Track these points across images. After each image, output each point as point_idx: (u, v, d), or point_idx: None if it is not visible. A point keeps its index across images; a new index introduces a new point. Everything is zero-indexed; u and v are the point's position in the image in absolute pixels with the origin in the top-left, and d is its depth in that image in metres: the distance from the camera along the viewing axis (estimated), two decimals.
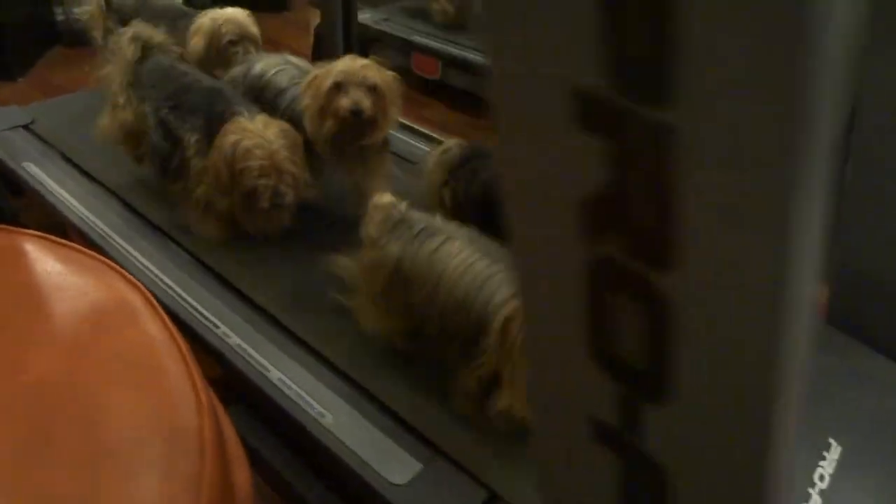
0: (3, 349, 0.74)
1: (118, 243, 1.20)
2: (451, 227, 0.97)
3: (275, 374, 0.97)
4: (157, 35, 1.36)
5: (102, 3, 1.63)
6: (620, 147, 0.27)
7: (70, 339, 0.77)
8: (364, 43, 2.14)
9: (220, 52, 1.49)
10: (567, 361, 0.35)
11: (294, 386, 0.95)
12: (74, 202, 1.30)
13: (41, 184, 1.36)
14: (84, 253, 0.90)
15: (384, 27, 2.31)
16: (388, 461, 0.86)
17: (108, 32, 1.65)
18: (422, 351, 1.02)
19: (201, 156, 1.19)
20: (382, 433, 0.89)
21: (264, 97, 1.34)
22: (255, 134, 1.12)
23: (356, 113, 1.16)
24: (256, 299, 1.10)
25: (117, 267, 0.87)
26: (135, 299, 0.83)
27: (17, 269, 0.86)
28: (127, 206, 1.31)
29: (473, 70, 2.15)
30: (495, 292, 0.87)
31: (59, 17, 2.52)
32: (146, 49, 1.33)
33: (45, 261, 0.88)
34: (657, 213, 0.27)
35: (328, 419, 0.90)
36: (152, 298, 0.83)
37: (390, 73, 1.23)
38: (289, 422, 0.92)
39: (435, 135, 1.73)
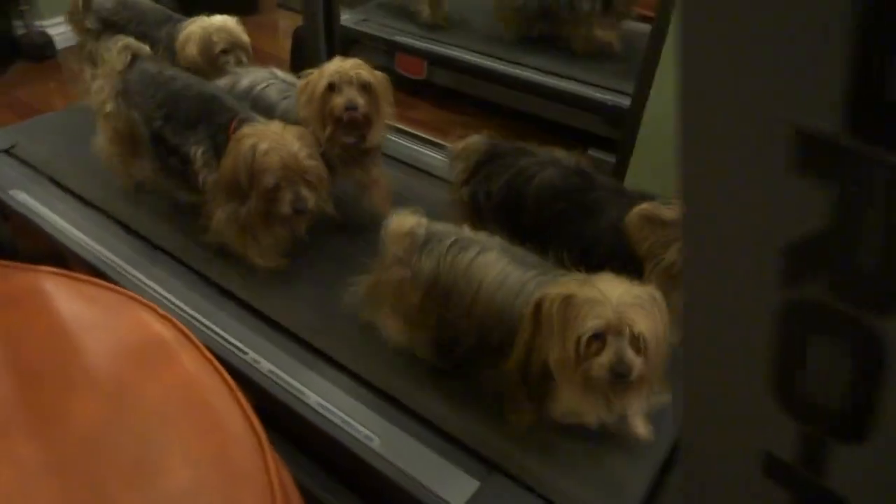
0: (44, 398, 0.70)
1: (129, 272, 1.15)
2: (481, 237, 0.96)
3: (313, 399, 0.94)
4: (144, 47, 1.31)
5: (80, 3, 1.56)
6: (845, 190, 0.26)
7: (112, 383, 0.73)
8: (345, 45, 2.10)
9: (212, 60, 1.46)
10: (745, 398, 0.34)
11: (336, 410, 0.92)
12: (74, 230, 1.24)
13: (33, 212, 1.29)
14: (108, 288, 0.85)
15: (364, 28, 2.27)
16: (444, 481, 0.84)
17: (87, 35, 1.59)
18: (456, 364, 1.00)
19: (209, 168, 1.15)
20: (434, 453, 0.88)
21: (255, 111, 1.30)
22: (274, 137, 1.07)
23: (351, 108, 1.14)
24: (283, 322, 1.07)
25: (145, 301, 0.84)
26: (170, 334, 0.80)
27: (43, 310, 0.81)
28: (131, 231, 1.26)
29: (460, 68, 2.13)
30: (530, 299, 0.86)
31: (20, 31, 2.40)
32: (135, 58, 1.29)
33: (71, 300, 0.83)
34: (882, 257, 0.26)
35: (376, 442, 0.88)
36: (188, 331, 0.80)
37: (381, 73, 1.22)
38: (333, 447, 0.90)
39: (428, 136, 1.71)
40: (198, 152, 1.15)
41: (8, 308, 0.80)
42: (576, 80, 2.00)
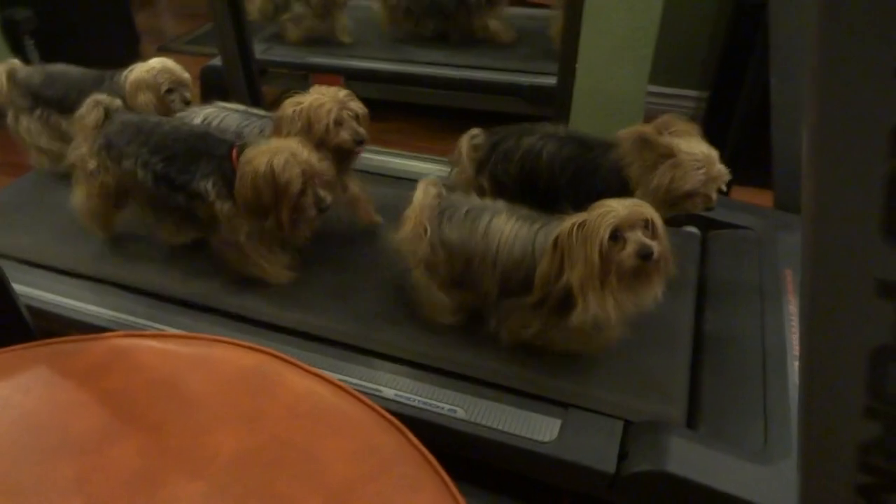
0: (183, 443, 0.74)
1: (152, 326, 1.17)
2: (489, 203, 1.10)
3: (388, 392, 1.02)
4: (115, 101, 1.32)
5: (4, 80, 1.51)
6: None
7: (233, 413, 0.77)
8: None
9: (161, 101, 1.48)
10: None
11: (413, 395, 1.01)
12: (81, 304, 1.22)
13: (29, 297, 1.25)
14: (181, 336, 0.89)
15: (271, 56, 2.31)
16: (532, 427, 0.96)
17: (18, 111, 1.54)
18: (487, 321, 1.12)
19: (225, 199, 1.19)
20: (514, 407, 0.99)
21: None
22: (284, 149, 1.13)
23: (360, 142, 1.24)
24: (332, 330, 1.14)
25: (219, 338, 0.88)
26: (262, 361, 0.85)
27: (135, 369, 0.83)
28: (141, 291, 1.26)
29: (375, 77, 2.23)
30: (545, 243, 1.00)
31: None
32: (108, 112, 1.29)
33: (154, 353, 0.86)
34: None
35: (461, 413, 0.98)
36: (277, 353, 0.85)
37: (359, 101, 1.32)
38: (423, 428, 0.98)
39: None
40: (208, 185, 1.19)
41: (104, 374, 0.82)
42: (486, 68, 2.16)
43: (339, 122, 1.23)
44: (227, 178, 1.17)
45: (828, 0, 0.36)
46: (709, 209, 1.12)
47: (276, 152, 1.12)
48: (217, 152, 1.19)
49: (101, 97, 1.29)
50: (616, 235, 0.92)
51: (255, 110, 1.45)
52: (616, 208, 0.92)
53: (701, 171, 1.06)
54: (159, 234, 1.37)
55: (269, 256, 1.25)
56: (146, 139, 1.24)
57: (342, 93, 1.27)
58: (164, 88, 1.48)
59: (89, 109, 1.27)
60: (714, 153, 1.09)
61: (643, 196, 1.07)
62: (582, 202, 1.00)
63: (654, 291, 0.97)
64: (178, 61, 1.56)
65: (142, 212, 1.34)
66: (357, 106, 1.27)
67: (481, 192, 1.23)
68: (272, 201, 1.12)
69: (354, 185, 1.43)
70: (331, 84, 2.25)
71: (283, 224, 1.15)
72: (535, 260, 1.00)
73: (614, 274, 0.92)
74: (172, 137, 1.24)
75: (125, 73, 1.51)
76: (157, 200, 1.27)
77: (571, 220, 0.95)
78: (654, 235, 0.93)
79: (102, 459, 0.72)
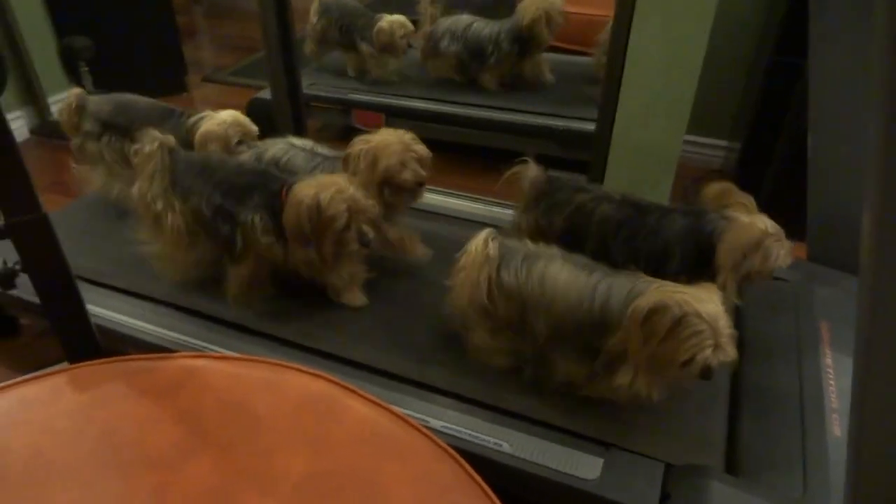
0: (251, 463, 0.77)
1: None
2: (543, 249, 1.13)
3: (436, 424, 1.06)
4: (170, 138, 1.38)
5: (73, 107, 1.59)
6: None
7: (301, 436, 0.81)
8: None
9: (229, 152, 1.54)
10: None
11: (461, 428, 1.05)
12: (142, 324, 1.28)
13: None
14: (249, 359, 0.93)
15: (316, 91, 2.40)
16: (575, 464, 0.99)
17: (87, 136, 1.62)
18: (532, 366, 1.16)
19: (267, 233, 1.25)
20: (557, 444, 1.02)
21: None
22: (331, 184, 1.19)
23: (421, 184, 1.30)
24: (380, 360, 1.18)
25: (285, 363, 0.93)
26: (326, 387, 0.89)
27: (206, 388, 0.87)
28: (199, 314, 1.32)
29: (416, 116, 2.31)
30: (608, 299, 1.04)
31: None
32: (171, 152, 1.35)
33: (223, 375, 0.90)
34: None
35: (507, 447, 1.02)
36: (340, 381, 0.89)
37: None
38: (471, 459, 1.02)
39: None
40: (255, 218, 1.25)
41: (177, 393, 0.86)
42: (521, 111, 2.24)
43: (403, 163, 1.29)
44: (275, 213, 1.23)
45: None
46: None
47: (324, 187, 1.18)
48: (270, 188, 1.26)
49: (161, 136, 1.33)
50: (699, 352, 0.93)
51: (322, 149, 1.50)
52: (712, 325, 0.92)
53: (783, 251, 1.09)
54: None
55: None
56: (211, 175, 1.30)
57: (408, 136, 1.33)
58: (234, 140, 1.54)
59: (153, 151, 1.31)
60: (780, 228, 1.11)
61: (727, 273, 1.10)
62: (635, 266, 1.04)
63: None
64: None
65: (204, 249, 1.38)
66: (421, 149, 1.33)
67: (520, 231, 1.27)
68: (315, 234, 1.18)
69: (404, 222, 1.48)
70: (372, 120, 2.37)
71: (325, 256, 1.21)
72: (592, 311, 1.03)
73: (672, 375, 0.96)
74: (236, 173, 1.30)
75: (195, 118, 1.56)
76: (215, 236, 1.32)
77: (671, 303, 0.93)
78: (726, 351, 0.94)
79: (179, 475, 0.76)
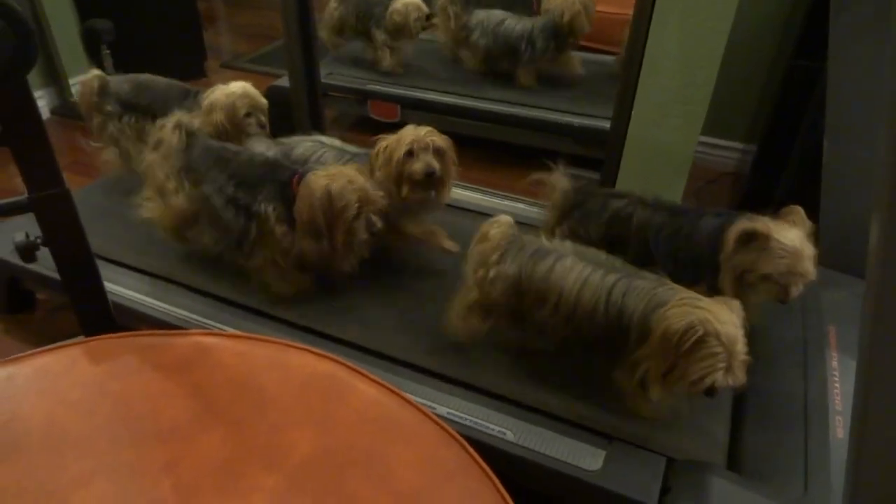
0: (258, 440, 0.79)
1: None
2: (556, 245, 1.13)
3: (442, 410, 1.07)
4: (194, 121, 1.40)
5: (94, 88, 1.61)
6: None
7: (307, 414, 0.83)
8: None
9: (237, 123, 1.56)
10: None
11: (466, 415, 1.06)
12: (155, 302, 1.30)
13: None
14: (258, 339, 0.95)
15: (333, 81, 2.42)
16: (578, 455, 1.00)
17: (106, 117, 1.64)
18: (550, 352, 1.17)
19: (281, 222, 1.27)
20: (560, 434, 1.04)
21: None
22: (342, 175, 1.21)
23: (430, 174, 1.31)
24: (388, 344, 1.20)
25: (295, 344, 0.94)
26: (334, 368, 0.90)
27: (217, 365, 0.89)
28: (210, 295, 1.34)
29: (431, 108, 2.32)
30: (623, 300, 1.04)
31: None
32: (190, 135, 1.37)
33: (235, 353, 0.92)
34: None
35: (510, 435, 1.03)
36: (347, 363, 0.91)
37: (446, 137, 1.38)
38: (475, 446, 1.03)
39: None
40: (269, 208, 1.27)
41: (189, 369, 0.88)
42: (538, 107, 2.24)
43: (411, 153, 1.30)
44: (287, 202, 1.25)
45: None
46: (782, 302, 1.10)
47: (335, 178, 1.21)
48: (280, 178, 1.28)
49: (183, 118, 1.37)
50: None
51: (350, 147, 1.51)
52: (728, 347, 0.92)
53: (783, 261, 1.06)
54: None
55: (296, 275, 1.33)
56: (225, 166, 1.32)
57: (424, 129, 1.34)
58: (242, 112, 1.56)
59: (172, 131, 1.34)
60: (808, 250, 1.08)
61: (726, 277, 1.10)
62: (679, 270, 1.05)
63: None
64: (239, 79, 1.66)
65: (202, 231, 1.40)
66: (435, 139, 1.33)
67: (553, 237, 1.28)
68: (327, 223, 1.20)
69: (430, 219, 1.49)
70: (386, 111, 2.38)
71: (336, 245, 1.23)
72: (608, 312, 1.03)
73: (679, 388, 0.96)
74: (248, 165, 1.32)
75: (207, 91, 1.60)
76: (221, 222, 1.34)
77: (696, 319, 0.93)
78: (729, 368, 0.93)
79: (190, 447, 0.77)
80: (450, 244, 1.46)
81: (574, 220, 1.29)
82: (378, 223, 1.24)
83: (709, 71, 1.52)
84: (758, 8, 2.09)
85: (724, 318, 0.93)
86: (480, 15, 2.43)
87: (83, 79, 1.65)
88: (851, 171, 1.36)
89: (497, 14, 2.41)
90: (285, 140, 1.53)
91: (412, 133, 1.32)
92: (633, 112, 1.63)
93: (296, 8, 1.90)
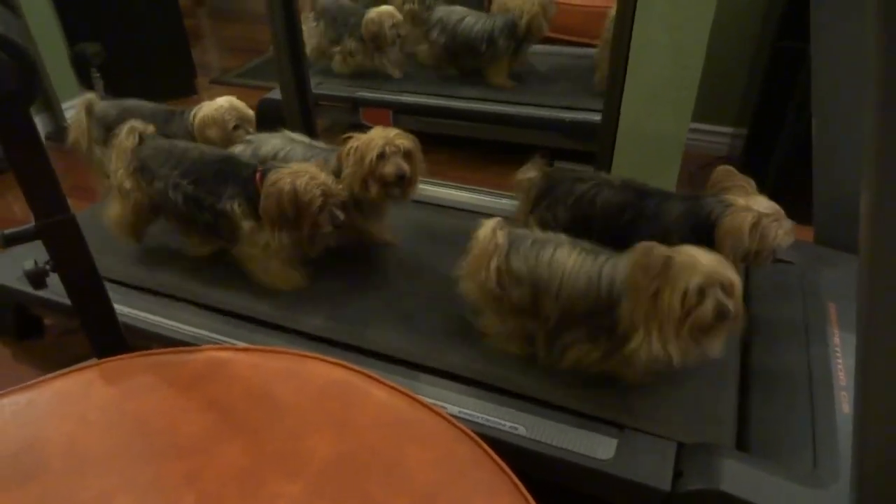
0: (276, 447, 0.80)
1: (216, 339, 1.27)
2: (551, 236, 1.17)
3: (454, 409, 1.09)
4: (149, 127, 1.48)
5: (84, 114, 1.64)
6: None
7: (325, 422, 0.85)
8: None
9: (227, 136, 1.59)
10: None
11: (478, 413, 1.08)
12: (164, 321, 1.32)
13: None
14: (271, 351, 0.97)
15: (324, 90, 2.43)
16: (590, 445, 1.02)
17: (91, 142, 1.67)
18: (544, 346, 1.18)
19: (249, 218, 1.33)
20: (572, 426, 1.05)
21: None
22: (304, 171, 1.28)
23: (401, 177, 1.34)
24: (398, 348, 1.22)
25: (308, 353, 0.96)
26: (347, 375, 0.92)
27: (234, 379, 0.91)
28: (215, 309, 1.35)
29: (422, 112, 2.34)
30: (613, 277, 1.07)
31: None
32: (142, 137, 1.45)
33: (249, 366, 0.93)
34: None
35: (522, 430, 1.05)
36: (359, 369, 0.93)
37: (413, 137, 1.42)
38: (488, 443, 1.05)
39: None
40: (234, 206, 1.33)
41: (204, 384, 0.90)
42: (527, 104, 2.26)
43: (384, 157, 1.34)
44: (251, 198, 1.31)
45: None
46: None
47: (298, 175, 1.27)
48: (242, 175, 1.33)
49: (137, 123, 1.44)
50: (701, 289, 0.95)
51: (319, 143, 1.56)
52: (701, 262, 0.96)
53: (781, 230, 1.11)
54: (186, 246, 1.52)
55: (280, 268, 1.39)
56: (177, 163, 1.38)
57: (393, 132, 1.38)
58: (231, 125, 1.60)
59: (126, 135, 1.42)
60: (780, 208, 1.13)
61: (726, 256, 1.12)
62: None
63: (718, 344, 1.01)
64: (230, 94, 1.69)
65: (171, 225, 1.50)
66: (404, 143, 1.37)
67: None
68: (294, 217, 1.26)
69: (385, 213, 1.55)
70: (379, 117, 2.39)
71: (303, 237, 1.30)
72: (600, 292, 1.06)
73: (689, 326, 0.97)
74: (201, 162, 1.38)
75: (194, 110, 1.62)
76: (186, 217, 1.41)
77: (660, 253, 0.98)
78: (730, 295, 0.96)
79: (211, 459, 0.79)
80: (391, 237, 1.55)
81: (542, 209, 1.32)
82: (341, 216, 1.30)
83: (696, 55, 1.54)
84: None
85: (698, 251, 0.98)
86: (440, 12, 2.46)
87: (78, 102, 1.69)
88: (841, 149, 1.38)
89: (458, 11, 2.44)
90: (253, 137, 1.55)
91: (382, 135, 1.35)
92: (622, 102, 1.65)
93: (284, 21, 1.92)
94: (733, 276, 0.97)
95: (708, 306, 0.95)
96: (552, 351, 1.16)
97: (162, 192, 1.40)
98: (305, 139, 1.58)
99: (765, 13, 2.12)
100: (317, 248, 1.36)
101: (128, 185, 1.43)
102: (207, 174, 1.37)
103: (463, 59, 2.45)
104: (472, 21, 2.39)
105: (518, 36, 2.33)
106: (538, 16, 2.28)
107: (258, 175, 1.32)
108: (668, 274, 0.96)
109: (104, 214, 1.50)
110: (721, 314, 0.95)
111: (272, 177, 1.28)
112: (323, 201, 1.27)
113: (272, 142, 1.55)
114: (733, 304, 0.95)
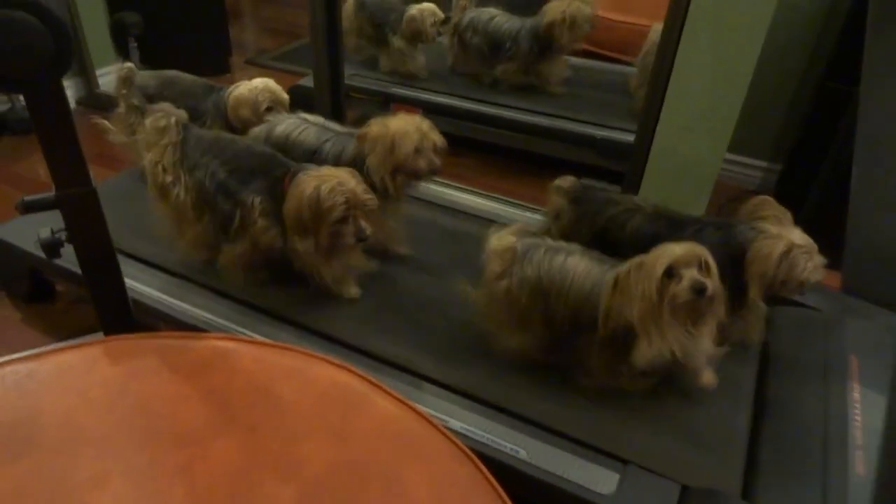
0: (274, 448, 0.79)
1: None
2: (563, 244, 1.17)
3: (456, 425, 1.07)
4: (183, 113, 1.41)
5: (126, 79, 1.63)
6: None
7: (324, 426, 0.83)
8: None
9: (259, 117, 1.58)
10: None
11: (480, 431, 1.05)
12: (175, 302, 1.31)
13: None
14: (279, 346, 0.95)
15: (357, 82, 2.42)
16: (591, 478, 0.99)
17: (131, 108, 1.67)
18: (560, 358, 1.17)
19: (265, 216, 1.28)
20: (574, 455, 1.03)
21: (293, 155, 1.42)
22: (333, 177, 1.21)
23: (434, 171, 1.33)
24: (405, 357, 1.19)
25: (316, 354, 0.94)
26: (353, 380, 0.90)
27: (237, 370, 0.89)
28: (228, 297, 1.34)
29: (452, 114, 2.31)
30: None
31: (4, 107, 2.39)
32: (184, 127, 1.39)
33: (254, 359, 0.92)
34: None
35: (523, 454, 1.02)
36: (366, 375, 0.91)
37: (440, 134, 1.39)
38: (487, 463, 1.02)
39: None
40: (255, 200, 1.28)
41: (207, 373, 0.88)
42: (559, 116, 2.23)
43: (419, 151, 1.31)
44: (276, 198, 1.25)
45: None
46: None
47: (325, 179, 1.20)
48: (274, 173, 1.28)
49: (174, 113, 1.36)
50: (671, 272, 0.98)
51: (333, 125, 1.51)
52: (672, 248, 1.00)
53: (811, 264, 1.09)
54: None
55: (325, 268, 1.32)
56: (219, 153, 1.34)
57: (425, 123, 1.35)
58: (263, 106, 1.59)
59: (167, 125, 1.35)
60: (813, 243, 1.12)
61: (755, 283, 1.12)
62: None
63: (709, 331, 1.02)
64: (263, 75, 1.68)
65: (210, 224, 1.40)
66: (437, 137, 1.34)
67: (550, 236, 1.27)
68: (310, 224, 1.20)
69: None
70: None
71: (320, 246, 1.23)
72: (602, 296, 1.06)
73: (668, 307, 0.98)
74: (243, 153, 1.33)
75: (231, 88, 1.62)
76: (212, 206, 1.34)
77: (630, 260, 1.03)
78: (707, 274, 0.99)
79: (205, 452, 0.77)
80: (404, 250, 1.49)
81: (569, 223, 1.30)
82: (368, 229, 1.22)
83: (739, 86, 1.50)
84: (789, 25, 2.07)
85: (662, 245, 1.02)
86: (472, 14, 2.45)
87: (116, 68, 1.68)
88: (879, 199, 1.33)
89: (488, 11, 2.43)
90: (270, 117, 1.53)
91: (416, 128, 1.32)
92: (658, 125, 1.62)
93: (323, 8, 1.90)
94: (705, 255, 0.99)
95: (683, 284, 0.97)
96: (564, 358, 1.14)
97: (201, 181, 1.34)
98: (320, 120, 1.53)
99: (812, 51, 2.07)
100: (336, 266, 1.29)
101: (169, 178, 1.36)
102: (244, 166, 1.32)
103: (492, 60, 2.43)
104: (502, 20, 2.40)
105: (540, 40, 2.30)
106: (560, 24, 2.24)
107: (288, 176, 1.26)
108: (641, 270, 1.00)
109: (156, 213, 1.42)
110: (696, 288, 0.96)
111: (300, 178, 1.23)
112: (345, 210, 1.19)
113: (287, 121, 1.53)
114: (710, 282, 0.97)
